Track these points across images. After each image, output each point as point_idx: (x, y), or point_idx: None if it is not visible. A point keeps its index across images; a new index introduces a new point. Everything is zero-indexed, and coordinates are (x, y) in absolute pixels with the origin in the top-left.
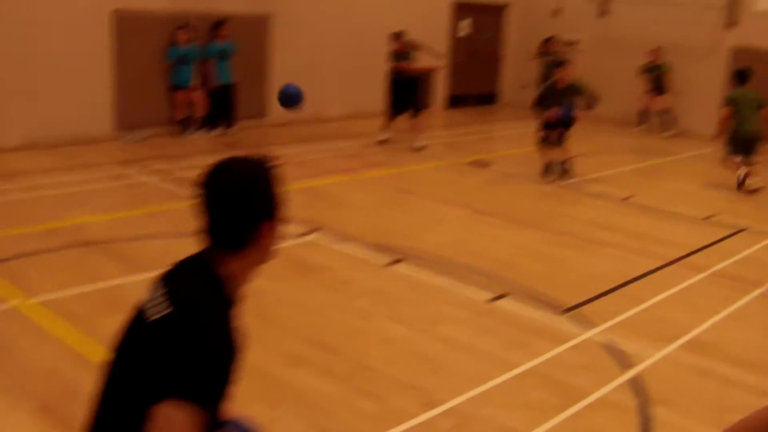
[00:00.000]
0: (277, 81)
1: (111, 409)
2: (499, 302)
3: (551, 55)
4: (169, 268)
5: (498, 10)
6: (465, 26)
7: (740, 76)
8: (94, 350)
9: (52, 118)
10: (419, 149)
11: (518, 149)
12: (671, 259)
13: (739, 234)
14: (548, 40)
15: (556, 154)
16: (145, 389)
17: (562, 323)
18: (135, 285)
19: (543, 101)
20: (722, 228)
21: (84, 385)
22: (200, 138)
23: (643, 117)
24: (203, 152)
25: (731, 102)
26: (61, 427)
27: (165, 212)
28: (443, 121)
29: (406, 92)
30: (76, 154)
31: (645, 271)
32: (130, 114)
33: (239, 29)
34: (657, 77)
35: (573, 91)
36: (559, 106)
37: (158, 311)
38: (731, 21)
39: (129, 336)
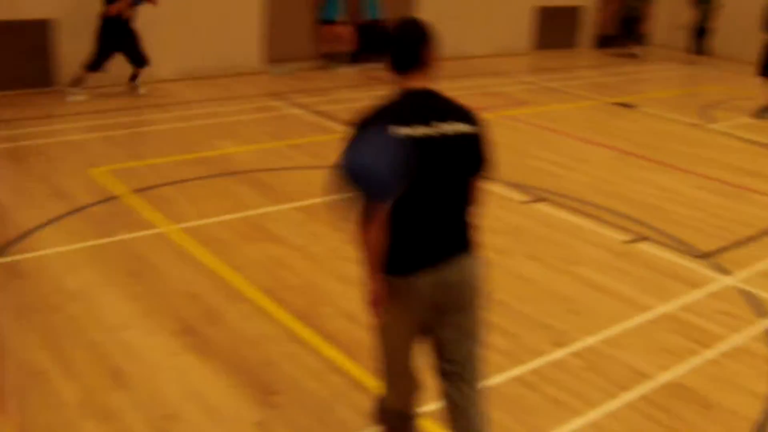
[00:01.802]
0: (425, 17)
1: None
2: (638, 244)
3: None
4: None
5: None
6: None
7: None
8: (234, 277)
9: (204, 51)
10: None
11: (667, 92)
12: None
13: None
14: None
15: None
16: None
17: (701, 268)
18: (276, 214)
19: None
20: None
21: (223, 311)
22: (346, 72)
23: None
24: (348, 86)
25: None
26: (198, 351)
27: (308, 144)
28: (590, 60)
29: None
30: (226, 85)
31: None
32: (279, 47)
33: None
34: None
35: None
36: None
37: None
38: None
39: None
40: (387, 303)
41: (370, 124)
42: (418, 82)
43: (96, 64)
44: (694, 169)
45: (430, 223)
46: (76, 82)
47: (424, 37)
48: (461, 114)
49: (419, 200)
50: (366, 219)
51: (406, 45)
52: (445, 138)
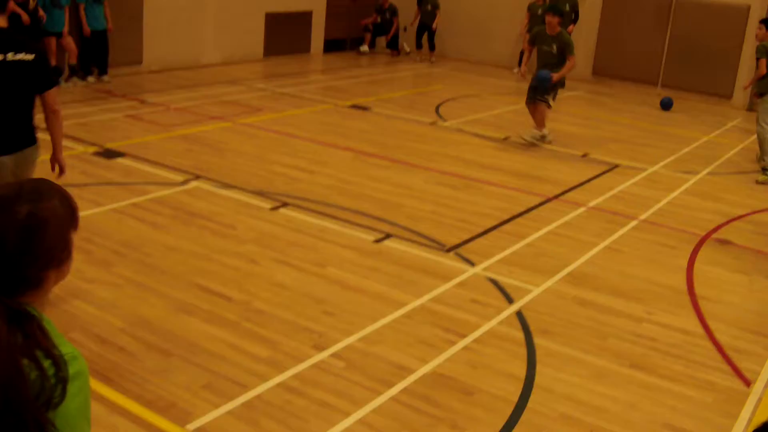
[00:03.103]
0: (152, 26)
1: None
2: (385, 242)
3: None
4: None
5: None
6: None
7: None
8: None
9: None
10: None
11: (399, 92)
12: (550, 196)
13: (612, 171)
14: None
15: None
16: None
17: (448, 261)
18: None
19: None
20: (597, 165)
21: None
22: (72, 87)
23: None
24: (76, 102)
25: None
26: None
27: None
28: (321, 65)
29: None
30: None
31: (526, 208)
32: None
33: None
34: (536, 17)
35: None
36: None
37: None
38: None
39: None
40: None
41: None
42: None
43: None
44: (431, 165)
45: (5, 123)
46: None
47: None
48: (24, 45)
49: None
50: None
51: None
52: (8, 63)
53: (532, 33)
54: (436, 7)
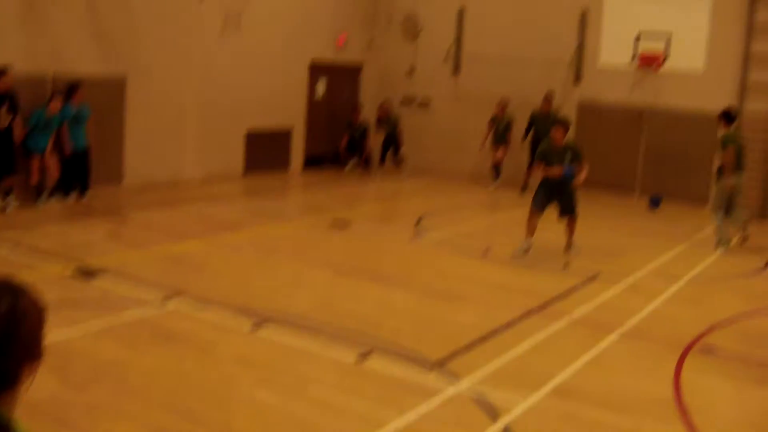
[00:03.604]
0: (133, 144)
1: None
2: (367, 361)
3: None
4: None
5: (354, 71)
6: (320, 87)
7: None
8: None
9: None
10: None
11: (377, 207)
12: (533, 308)
13: (594, 280)
14: (383, 105)
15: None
16: None
17: (431, 378)
18: None
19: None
20: (577, 276)
21: None
22: (53, 206)
23: (496, 171)
24: (58, 220)
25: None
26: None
27: None
28: (301, 181)
29: None
30: None
31: (508, 321)
32: None
33: (94, 91)
34: (500, 130)
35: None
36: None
37: None
38: (576, 77)
39: None
40: None
41: None
42: None
43: None
44: (412, 280)
45: None
46: None
47: None
48: None
49: None
50: None
51: None
52: None
53: (541, 152)
54: (396, 125)
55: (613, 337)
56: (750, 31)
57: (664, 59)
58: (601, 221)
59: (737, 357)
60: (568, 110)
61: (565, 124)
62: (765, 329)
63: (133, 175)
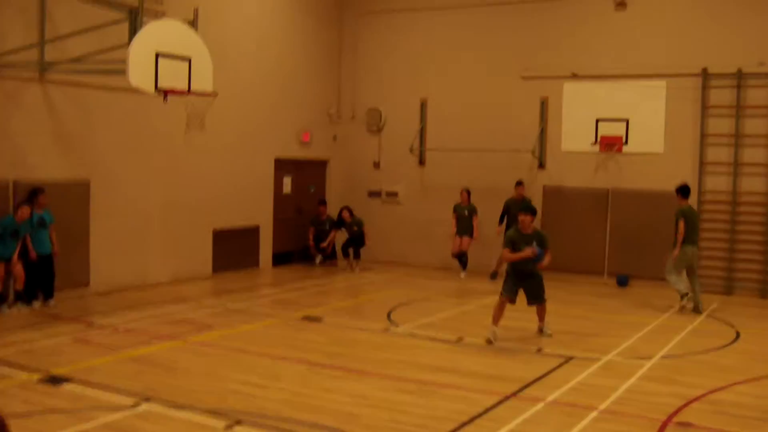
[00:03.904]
0: (98, 248)
1: None
2: None
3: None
4: None
5: (321, 165)
6: (287, 183)
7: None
8: None
9: None
10: None
11: (348, 301)
12: (508, 394)
13: (567, 363)
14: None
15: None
16: None
17: None
18: None
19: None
20: (552, 359)
21: None
22: (17, 313)
23: (459, 260)
24: (21, 328)
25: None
26: None
27: None
28: (271, 278)
29: None
30: None
31: (484, 409)
32: None
33: (57, 196)
34: (463, 219)
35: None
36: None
37: None
38: (540, 163)
39: None
40: None
41: None
42: None
43: None
44: (386, 372)
45: None
46: None
47: None
48: None
49: None
50: None
51: None
52: None
53: (509, 237)
54: (361, 226)
55: (589, 419)
56: (704, 112)
57: (624, 142)
58: (572, 305)
59: (713, 430)
60: (534, 195)
61: (532, 210)
62: (738, 402)
63: (99, 280)
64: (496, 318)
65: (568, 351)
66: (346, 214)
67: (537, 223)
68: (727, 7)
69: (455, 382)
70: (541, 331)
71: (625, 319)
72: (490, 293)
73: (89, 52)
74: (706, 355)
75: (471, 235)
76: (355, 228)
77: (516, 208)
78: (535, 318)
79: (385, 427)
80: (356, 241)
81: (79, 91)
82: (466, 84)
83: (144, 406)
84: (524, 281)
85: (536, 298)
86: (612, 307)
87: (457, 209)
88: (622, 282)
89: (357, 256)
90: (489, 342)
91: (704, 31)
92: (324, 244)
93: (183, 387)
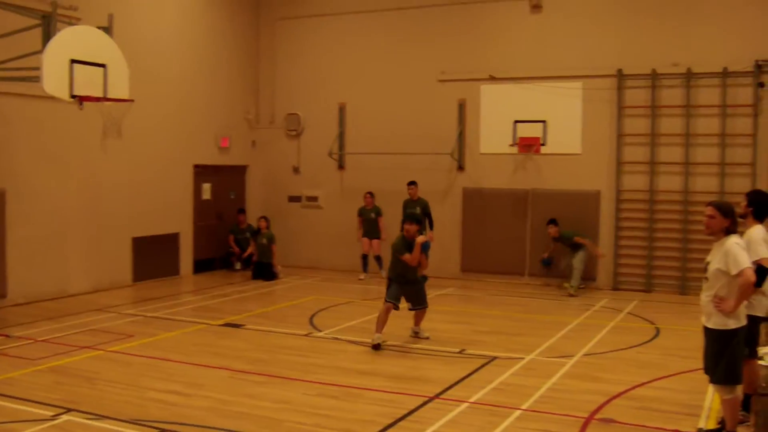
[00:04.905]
0: (15, 259)
1: None
2: None
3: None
4: None
5: (240, 170)
6: (207, 189)
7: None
8: None
9: None
10: None
11: (270, 307)
12: (431, 395)
13: (490, 363)
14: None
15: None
16: None
17: None
18: None
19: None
20: (475, 360)
21: None
22: None
23: (364, 262)
24: None
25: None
26: None
27: None
28: (191, 286)
29: None
30: None
31: (408, 411)
32: None
33: None
34: (369, 221)
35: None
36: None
37: None
38: (459, 165)
39: None
40: None
41: None
42: None
43: None
44: (309, 377)
45: None
46: None
47: None
48: None
49: None
50: None
51: None
52: None
53: (395, 247)
54: (271, 241)
55: (512, 418)
56: (620, 111)
57: (542, 143)
58: (494, 305)
59: (635, 426)
60: (454, 197)
61: (416, 219)
62: (659, 397)
63: (16, 291)
64: (381, 325)
65: (490, 351)
66: (263, 223)
67: (458, 224)
68: (640, 8)
69: (378, 384)
70: (417, 334)
71: (547, 318)
72: None
73: (2, 59)
74: (626, 352)
75: (379, 237)
76: (264, 241)
77: (410, 208)
78: (461, 320)
79: None
80: (263, 271)
81: None
82: (384, 88)
83: (64, 418)
84: (407, 287)
85: (419, 303)
86: (533, 307)
87: (362, 212)
88: (547, 263)
89: (273, 276)
90: (376, 347)
91: (619, 33)
92: (246, 255)
93: (104, 397)
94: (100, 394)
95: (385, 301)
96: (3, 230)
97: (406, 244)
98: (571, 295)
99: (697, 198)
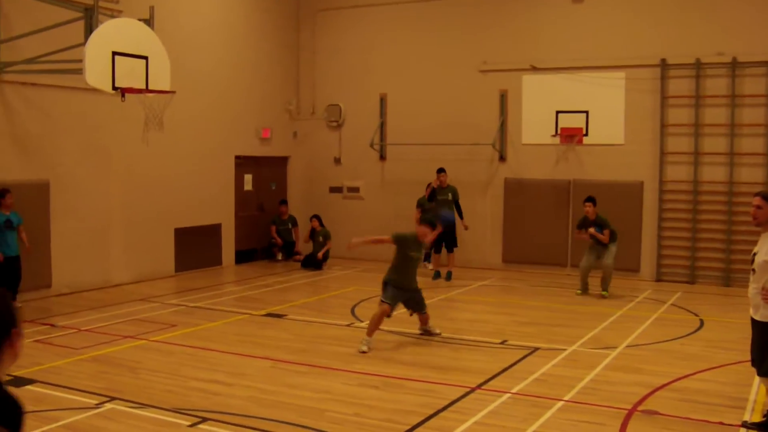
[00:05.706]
0: (60, 250)
1: None
2: None
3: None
4: None
5: (281, 162)
6: (248, 180)
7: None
8: None
9: None
10: None
11: (312, 297)
12: (473, 386)
13: (532, 354)
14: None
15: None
16: None
17: None
18: None
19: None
20: (516, 350)
21: None
22: None
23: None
24: None
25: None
26: None
27: None
28: (233, 276)
29: None
30: None
31: (450, 401)
32: None
33: (16, 197)
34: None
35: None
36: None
37: None
38: (501, 156)
39: None
40: None
41: None
42: None
43: None
44: (350, 366)
45: None
46: None
47: None
48: None
49: None
50: None
51: None
52: None
53: (408, 243)
54: (327, 238)
55: (554, 409)
56: (664, 102)
57: (585, 134)
58: (536, 296)
59: (679, 418)
60: (496, 188)
61: (432, 224)
62: (702, 389)
63: (60, 282)
64: (373, 329)
65: (532, 342)
66: (315, 223)
67: (499, 215)
68: None
69: (420, 375)
70: (427, 332)
71: (589, 309)
72: (454, 287)
73: (45, 52)
74: (670, 343)
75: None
76: (321, 239)
77: (442, 195)
78: (503, 310)
79: (351, 422)
80: (313, 261)
81: (36, 91)
82: (424, 78)
83: (108, 406)
84: (405, 293)
85: (419, 309)
86: (576, 298)
87: (420, 203)
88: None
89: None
90: (363, 352)
91: (662, 22)
92: (297, 248)
93: (147, 386)
94: (143, 383)
95: (381, 301)
96: (47, 221)
97: (417, 244)
98: (604, 297)
99: (743, 189)
